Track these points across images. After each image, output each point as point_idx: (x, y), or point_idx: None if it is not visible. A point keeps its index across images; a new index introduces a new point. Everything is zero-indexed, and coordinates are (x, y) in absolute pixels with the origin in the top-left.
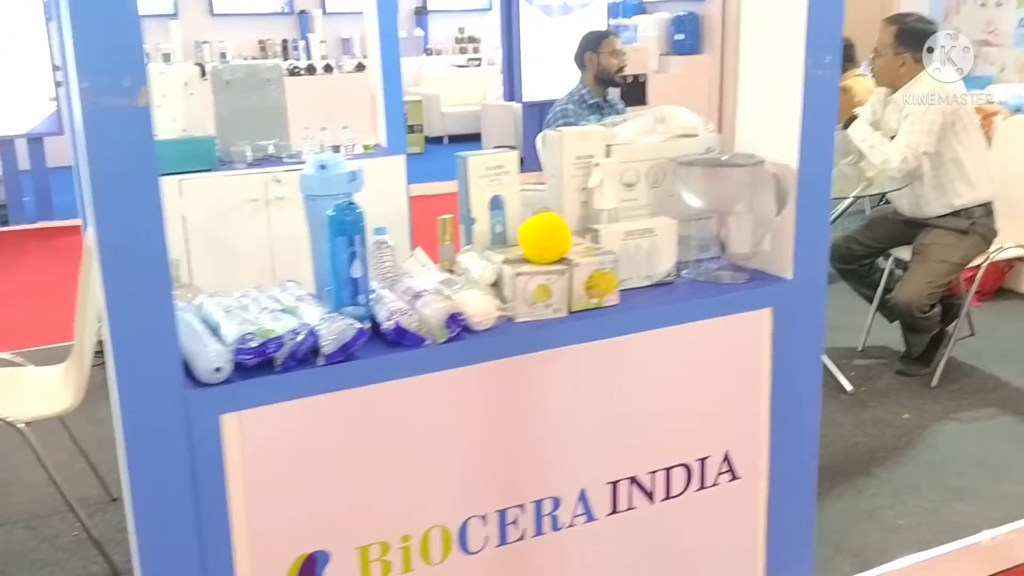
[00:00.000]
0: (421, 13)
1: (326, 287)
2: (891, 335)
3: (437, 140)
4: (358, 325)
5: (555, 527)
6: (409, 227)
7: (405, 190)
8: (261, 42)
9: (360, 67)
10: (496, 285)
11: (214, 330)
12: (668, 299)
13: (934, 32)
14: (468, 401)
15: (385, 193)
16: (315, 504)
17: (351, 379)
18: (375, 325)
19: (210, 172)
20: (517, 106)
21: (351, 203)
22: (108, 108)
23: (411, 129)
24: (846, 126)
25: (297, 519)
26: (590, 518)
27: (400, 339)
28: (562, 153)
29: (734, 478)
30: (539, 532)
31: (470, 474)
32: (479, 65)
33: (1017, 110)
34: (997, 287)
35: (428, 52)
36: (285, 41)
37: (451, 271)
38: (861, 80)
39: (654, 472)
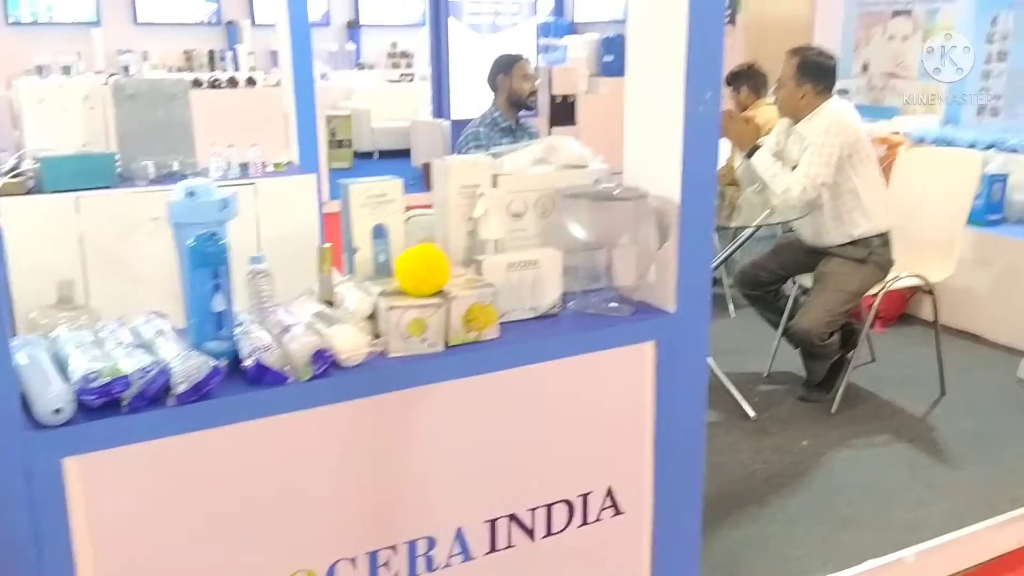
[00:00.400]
0: (353, 27)
1: (192, 320)
2: (797, 361)
3: (367, 155)
4: (213, 363)
5: (430, 568)
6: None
7: (318, 209)
8: (187, 52)
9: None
10: (373, 318)
11: (63, 366)
12: (551, 332)
13: (834, 66)
14: (335, 440)
15: (295, 212)
16: (168, 553)
17: (205, 420)
18: (240, 361)
19: (110, 189)
20: (446, 123)
21: (214, 233)
22: None
23: (340, 144)
24: (750, 155)
25: (149, 570)
26: (467, 557)
27: (261, 377)
28: (447, 182)
29: (617, 513)
30: (412, 573)
31: (338, 516)
32: (412, 80)
33: (920, 141)
34: (900, 313)
35: (360, 66)
36: (212, 52)
37: (329, 302)
38: (769, 109)
39: (534, 509)
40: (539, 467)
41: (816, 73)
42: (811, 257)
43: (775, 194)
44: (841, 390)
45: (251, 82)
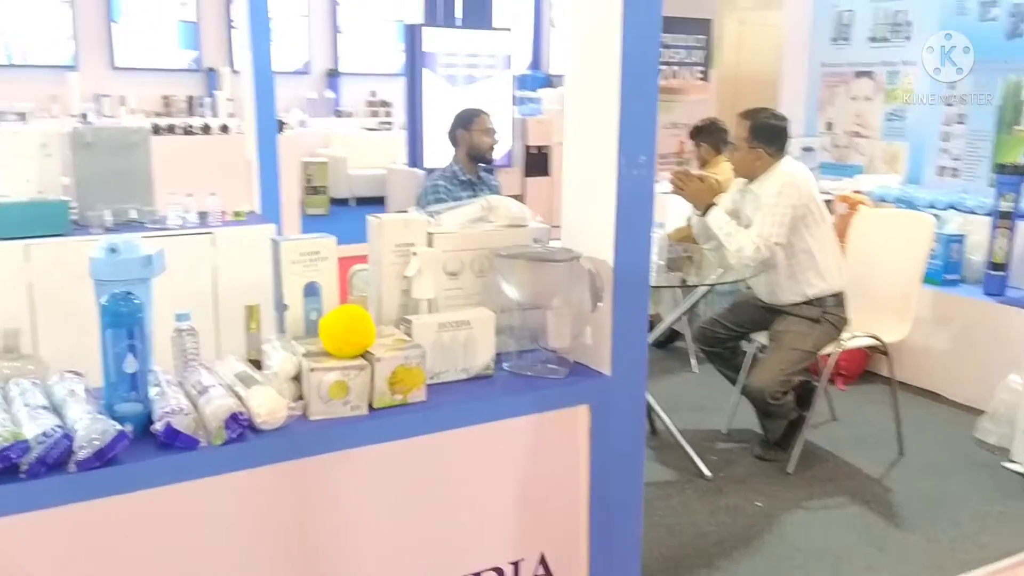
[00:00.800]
0: (333, 75)
1: (105, 381)
2: (756, 418)
3: (343, 202)
4: (118, 428)
5: None
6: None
7: None
8: (165, 98)
9: None
10: (298, 379)
11: None
12: (481, 395)
13: (786, 127)
14: (250, 506)
15: (254, 262)
16: None
17: (108, 486)
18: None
19: (62, 237)
20: (420, 172)
21: (128, 292)
22: None
23: (316, 190)
24: (704, 213)
25: None
26: None
27: (172, 441)
28: (381, 240)
29: None
30: None
31: None
32: (390, 129)
33: (882, 200)
34: (863, 371)
35: (339, 114)
36: (191, 97)
37: (256, 362)
38: (729, 166)
39: None
40: (468, 534)
41: (769, 135)
42: (767, 315)
43: (729, 252)
44: (798, 449)
45: (224, 129)
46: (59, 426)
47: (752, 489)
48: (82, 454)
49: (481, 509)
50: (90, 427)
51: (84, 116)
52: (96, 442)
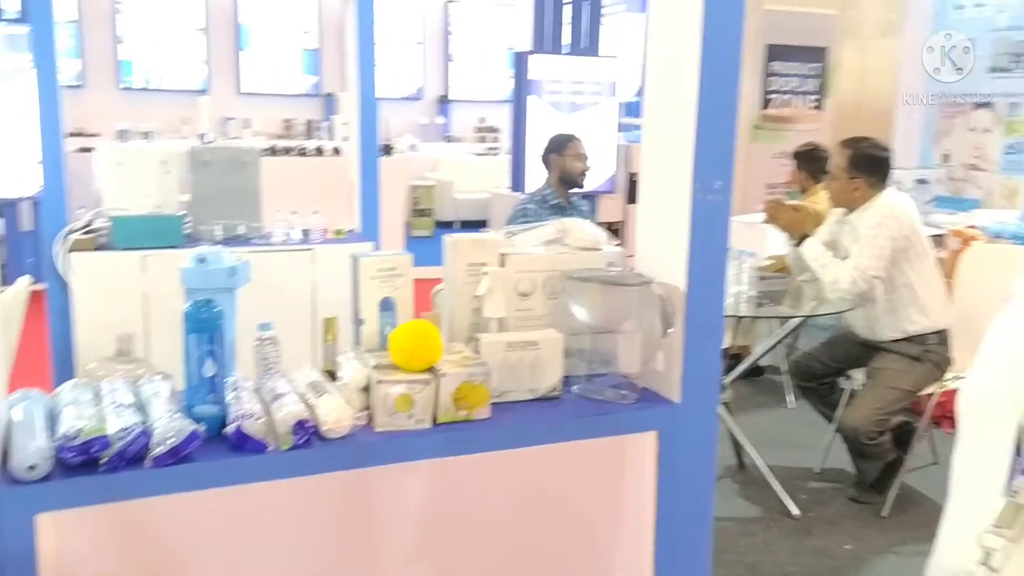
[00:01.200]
0: (444, 101)
1: (186, 383)
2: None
3: (448, 225)
4: (192, 427)
5: None
6: None
7: None
8: (286, 121)
9: None
10: (367, 390)
11: (55, 423)
12: (546, 416)
13: (888, 158)
14: (310, 511)
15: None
16: None
17: (180, 483)
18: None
19: (177, 249)
20: (522, 196)
21: (210, 300)
22: None
23: (422, 213)
24: (799, 243)
25: None
26: None
27: (242, 444)
28: (455, 259)
29: None
30: None
31: None
32: (497, 154)
33: (997, 236)
34: None
35: (449, 139)
36: (310, 121)
37: (331, 372)
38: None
39: None
40: (526, 555)
41: (869, 165)
42: (865, 351)
43: (825, 284)
44: (894, 492)
45: (336, 151)
46: (140, 423)
47: (842, 531)
48: (158, 451)
49: (540, 531)
50: (168, 425)
51: (202, 136)
52: (171, 440)
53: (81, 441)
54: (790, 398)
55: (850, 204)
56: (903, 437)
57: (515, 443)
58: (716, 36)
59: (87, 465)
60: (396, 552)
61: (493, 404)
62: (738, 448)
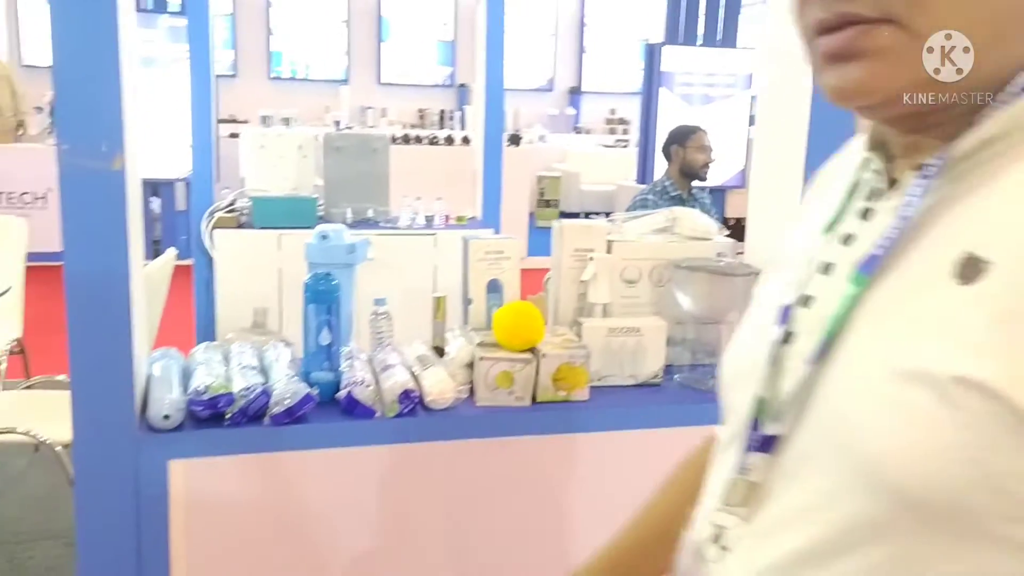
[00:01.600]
0: (575, 92)
1: (305, 351)
2: None
3: (574, 215)
4: (307, 391)
5: None
6: None
7: None
8: (420, 111)
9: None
10: (471, 366)
11: (187, 379)
12: (644, 401)
13: None
14: (411, 477)
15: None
16: (247, 552)
17: (294, 441)
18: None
19: (310, 229)
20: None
21: (328, 274)
22: (85, 169)
23: (548, 203)
24: None
25: (229, 563)
26: None
27: (352, 409)
28: (562, 244)
29: None
30: None
31: (400, 552)
32: (626, 146)
33: None
34: None
35: (578, 130)
36: (443, 111)
37: (439, 348)
38: None
39: None
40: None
41: None
42: None
43: None
44: None
45: (466, 141)
46: (262, 384)
47: None
48: (276, 409)
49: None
50: (285, 387)
51: (337, 123)
52: (287, 401)
53: (209, 396)
54: None
55: None
56: None
57: (611, 426)
58: None
59: (214, 419)
60: (489, 523)
61: (593, 387)
62: None
